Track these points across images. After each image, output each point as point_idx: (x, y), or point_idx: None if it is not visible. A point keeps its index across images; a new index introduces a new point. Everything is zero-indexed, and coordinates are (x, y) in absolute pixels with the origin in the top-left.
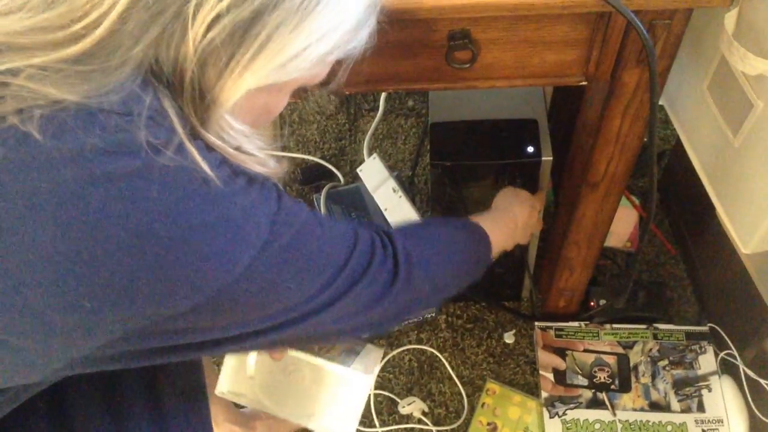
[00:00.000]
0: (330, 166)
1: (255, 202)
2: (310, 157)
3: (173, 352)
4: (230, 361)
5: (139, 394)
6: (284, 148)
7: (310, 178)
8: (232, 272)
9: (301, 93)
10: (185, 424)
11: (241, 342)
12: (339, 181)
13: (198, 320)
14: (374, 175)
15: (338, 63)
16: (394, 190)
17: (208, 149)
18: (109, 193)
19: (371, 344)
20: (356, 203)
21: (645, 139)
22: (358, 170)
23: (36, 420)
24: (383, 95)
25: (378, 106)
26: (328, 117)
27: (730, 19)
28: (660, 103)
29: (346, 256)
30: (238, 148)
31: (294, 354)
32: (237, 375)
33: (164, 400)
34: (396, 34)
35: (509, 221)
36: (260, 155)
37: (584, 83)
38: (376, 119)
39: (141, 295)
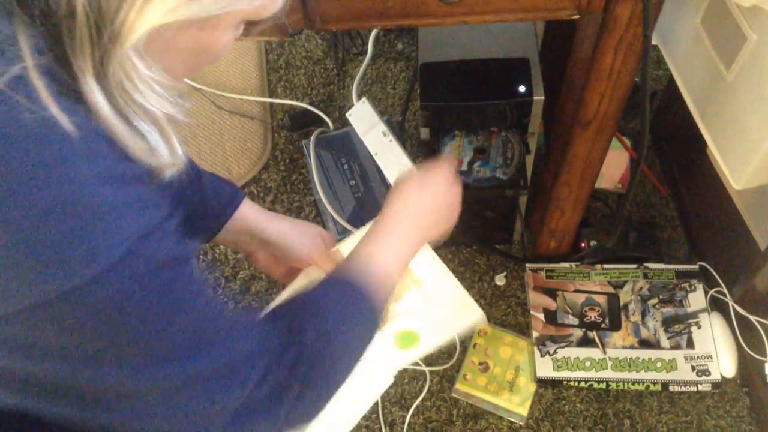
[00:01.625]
0: (318, 112)
1: (129, 202)
2: (298, 103)
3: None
4: None
5: None
6: (272, 94)
7: (298, 124)
8: (52, 283)
9: (251, 26)
10: None
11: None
12: (328, 126)
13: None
14: (364, 119)
15: None
16: (384, 134)
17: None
18: None
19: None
20: (346, 148)
21: (637, 79)
22: (347, 114)
23: None
24: (371, 38)
25: (366, 50)
26: (316, 62)
27: None
28: (653, 42)
29: (222, 348)
30: (141, 105)
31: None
32: None
33: None
34: None
35: (411, 234)
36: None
37: (576, 17)
38: (365, 63)
39: None
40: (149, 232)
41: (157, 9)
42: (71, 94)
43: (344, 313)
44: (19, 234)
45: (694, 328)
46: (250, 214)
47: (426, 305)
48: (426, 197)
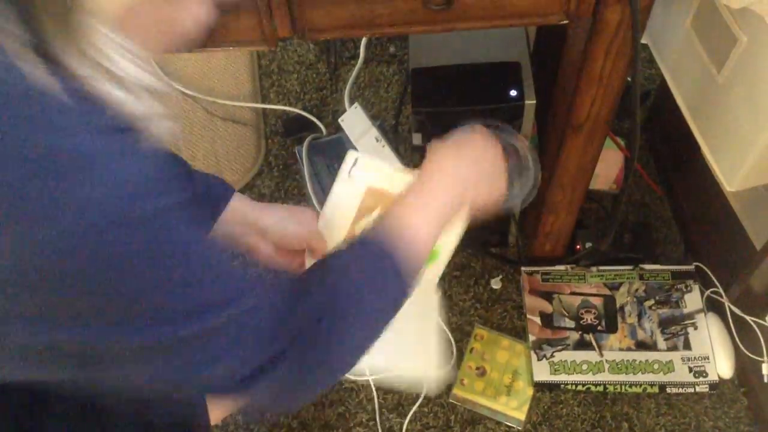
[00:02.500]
0: (312, 117)
1: (122, 151)
2: (291, 109)
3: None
4: None
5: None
6: (264, 100)
7: (291, 129)
8: (55, 231)
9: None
10: None
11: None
12: (321, 132)
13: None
14: (356, 124)
15: None
16: (377, 140)
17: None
18: None
19: None
20: (339, 154)
21: (629, 79)
22: (340, 120)
23: None
24: (363, 42)
25: (359, 54)
26: (308, 66)
27: None
28: (643, 42)
29: (223, 300)
30: (112, 74)
31: None
32: None
33: None
34: None
35: (447, 198)
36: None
37: (565, 22)
38: (357, 67)
39: None
40: (139, 181)
41: None
42: (48, 60)
43: (368, 274)
44: (9, 188)
45: (690, 329)
46: (243, 205)
47: None
48: (464, 161)
